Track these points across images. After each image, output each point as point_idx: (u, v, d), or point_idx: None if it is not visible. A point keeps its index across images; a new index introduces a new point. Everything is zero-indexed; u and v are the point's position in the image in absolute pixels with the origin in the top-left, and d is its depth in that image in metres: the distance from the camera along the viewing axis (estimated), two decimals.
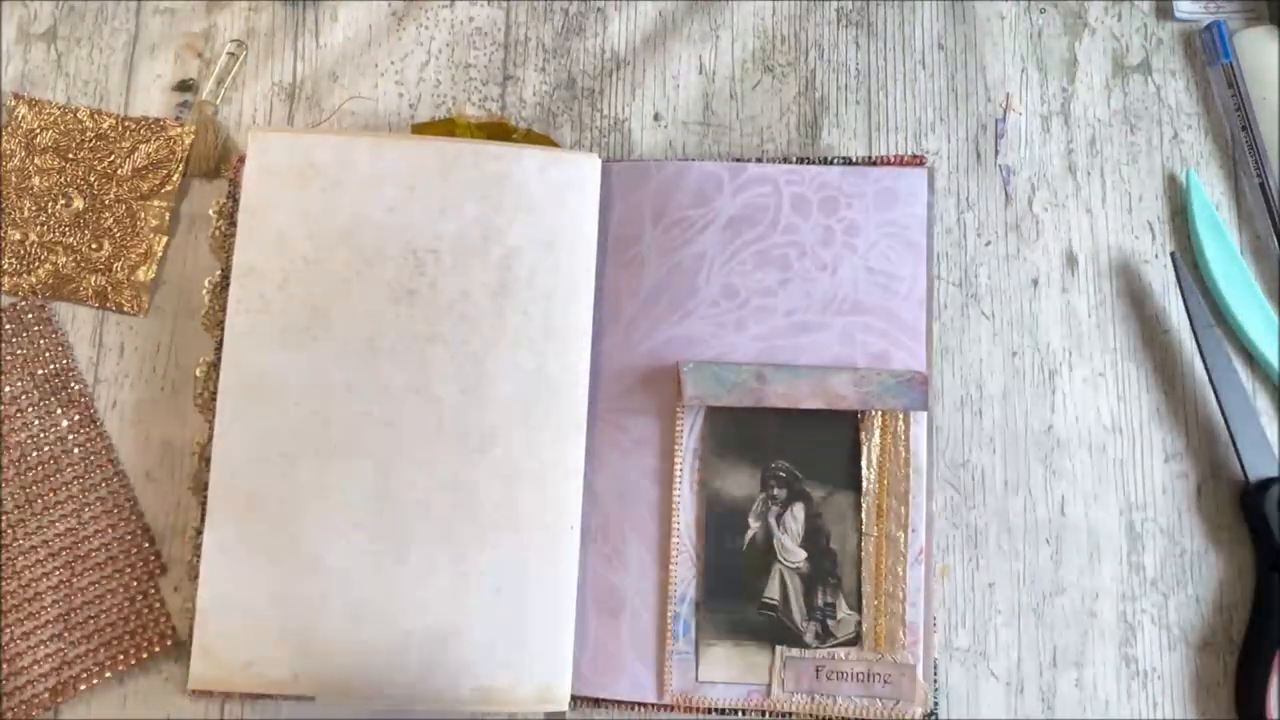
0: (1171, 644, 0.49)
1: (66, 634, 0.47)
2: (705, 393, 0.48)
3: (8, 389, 0.50)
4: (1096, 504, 0.51)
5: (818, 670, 0.47)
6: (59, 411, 0.50)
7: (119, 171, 0.53)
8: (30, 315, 0.51)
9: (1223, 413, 0.50)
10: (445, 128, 0.53)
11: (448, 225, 0.49)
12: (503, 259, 0.49)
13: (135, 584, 0.48)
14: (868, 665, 0.47)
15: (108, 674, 0.47)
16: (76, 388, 0.50)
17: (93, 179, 0.53)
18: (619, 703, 0.48)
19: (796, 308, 0.50)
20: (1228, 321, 0.52)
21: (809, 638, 0.48)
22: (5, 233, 0.52)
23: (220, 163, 0.53)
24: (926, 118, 0.55)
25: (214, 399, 0.48)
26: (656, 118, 0.55)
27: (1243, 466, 0.49)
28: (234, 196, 0.51)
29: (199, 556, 0.47)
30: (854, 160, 0.52)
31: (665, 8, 0.56)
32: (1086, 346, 0.52)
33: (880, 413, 0.49)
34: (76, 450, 0.50)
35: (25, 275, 0.52)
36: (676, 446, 0.49)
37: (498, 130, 0.54)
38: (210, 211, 0.52)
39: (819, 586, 0.48)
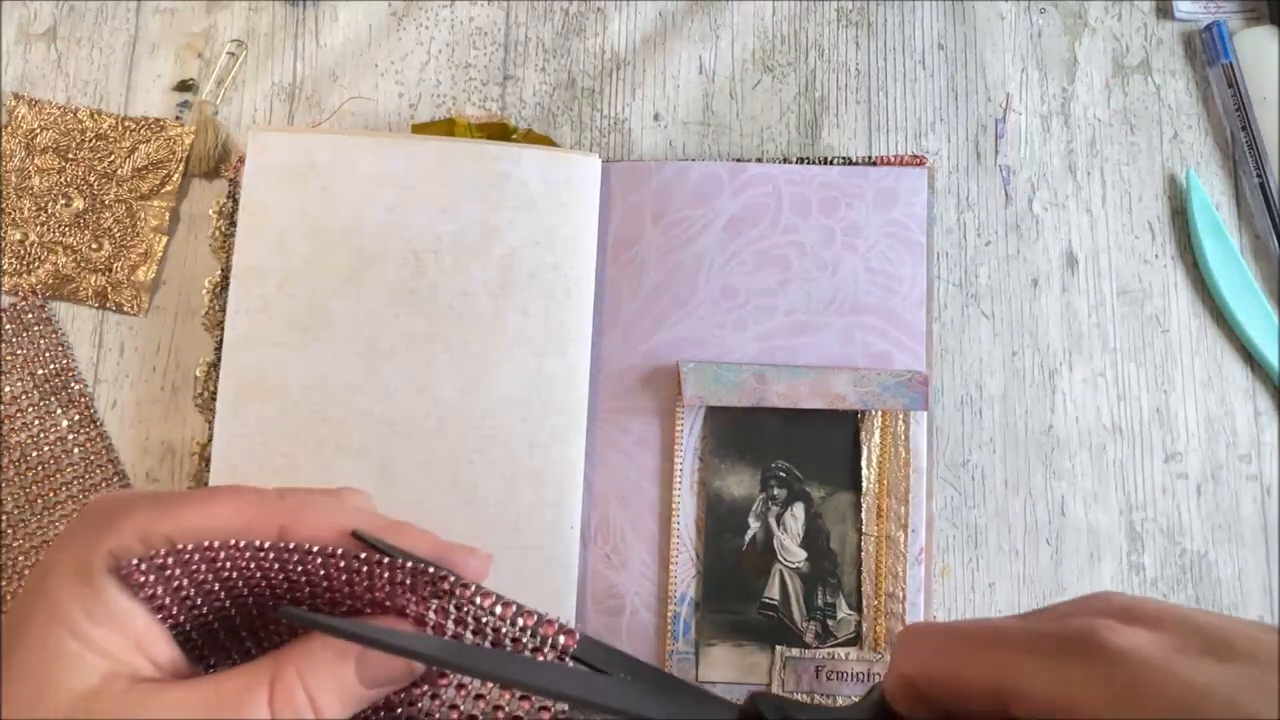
0: None
1: None
2: (705, 393, 0.48)
3: (8, 389, 0.50)
4: (1096, 504, 0.51)
5: (818, 670, 0.47)
6: (59, 411, 0.50)
7: (119, 171, 0.53)
8: (30, 315, 0.51)
9: None
10: (445, 128, 0.53)
11: (448, 225, 0.49)
12: (503, 259, 0.49)
13: None
14: (868, 665, 0.47)
15: None
16: (76, 388, 0.50)
17: (93, 179, 0.53)
18: None
19: (796, 308, 0.50)
20: (1228, 321, 0.52)
21: (809, 638, 0.48)
22: (5, 233, 0.52)
23: (220, 163, 0.53)
24: (926, 118, 0.55)
25: (214, 399, 0.48)
26: (656, 118, 0.55)
27: None
28: (234, 196, 0.51)
29: None
30: (854, 160, 0.52)
31: (665, 8, 0.56)
32: (1086, 346, 0.52)
33: (880, 413, 0.49)
34: (76, 450, 0.50)
35: (25, 275, 0.52)
36: (676, 446, 0.49)
37: (498, 130, 0.54)
38: (210, 211, 0.52)
39: (819, 586, 0.48)
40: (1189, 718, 0.21)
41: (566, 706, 0.29)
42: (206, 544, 0.27)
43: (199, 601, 0.29)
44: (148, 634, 0.28)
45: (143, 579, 0.27)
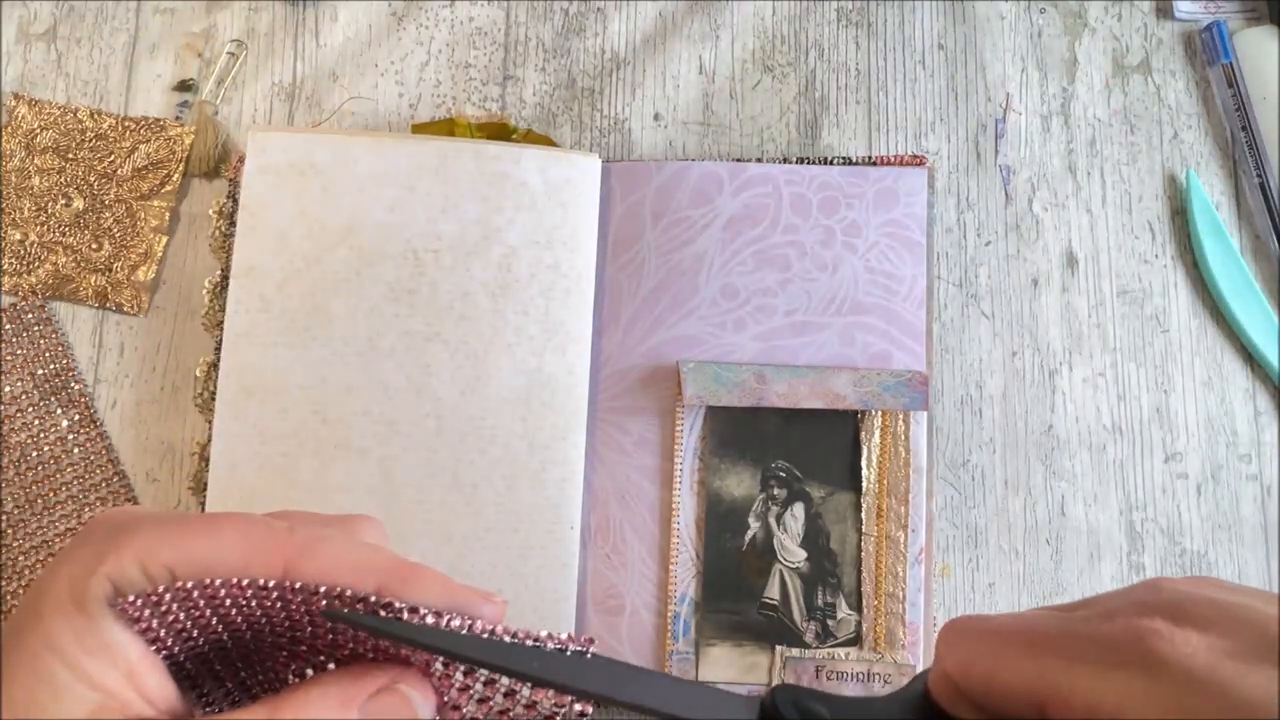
0: None
1: None
2: (705, 393, 0.48)
3: (8, 389, 0.50)
4: (1096, 504, 0.51)
5: (818, 670, 0.47)
6: (59, 411, 0.50)
7: (119, 171, 0.53)
8: (30, 315, 0.51)
9: None
10: (445, 128, 0.53)
11: (448, 225, 0.49)
12: (503, 259, 0.49)
13: None
14: (868, 665, 0.47)
15: None
16: (76, 388, 0.50)
17: (93, 179, 0.53)
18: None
19: (796, 308, 0.50)
20: (1228, 321, 0.52)
21: (809, 638, 0.48)
22: (5, 233, 0.52)
23: (220, 163, 0.53)
24: (926, 118, 0.55)
25: (214, 399, 0.48)
26: (656, 118, 0.55)
27: None
28: (234, 196, 0.51)
29: None
30: (854, 160, 0.52)
31: (665, 8, 0.56)
32: (1086, 346, 0.52)
33: (880, 413, 0.49)
34: (76, 450, 0.50)
35: (25, 275, 0.52)
36: (676, 446, 0.49)
37: (498, 130, 0.54)
38: (210, 211, 0.52)
39: (819, 586, 0.48)
40: None
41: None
42: (207, 582, 0.26)
43: (195, 633, 0.28)
44: (141, 666, 0.27)
45: (138, 614, 0.26)
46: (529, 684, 0.28)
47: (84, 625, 0.26)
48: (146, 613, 0.26)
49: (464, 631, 0.27)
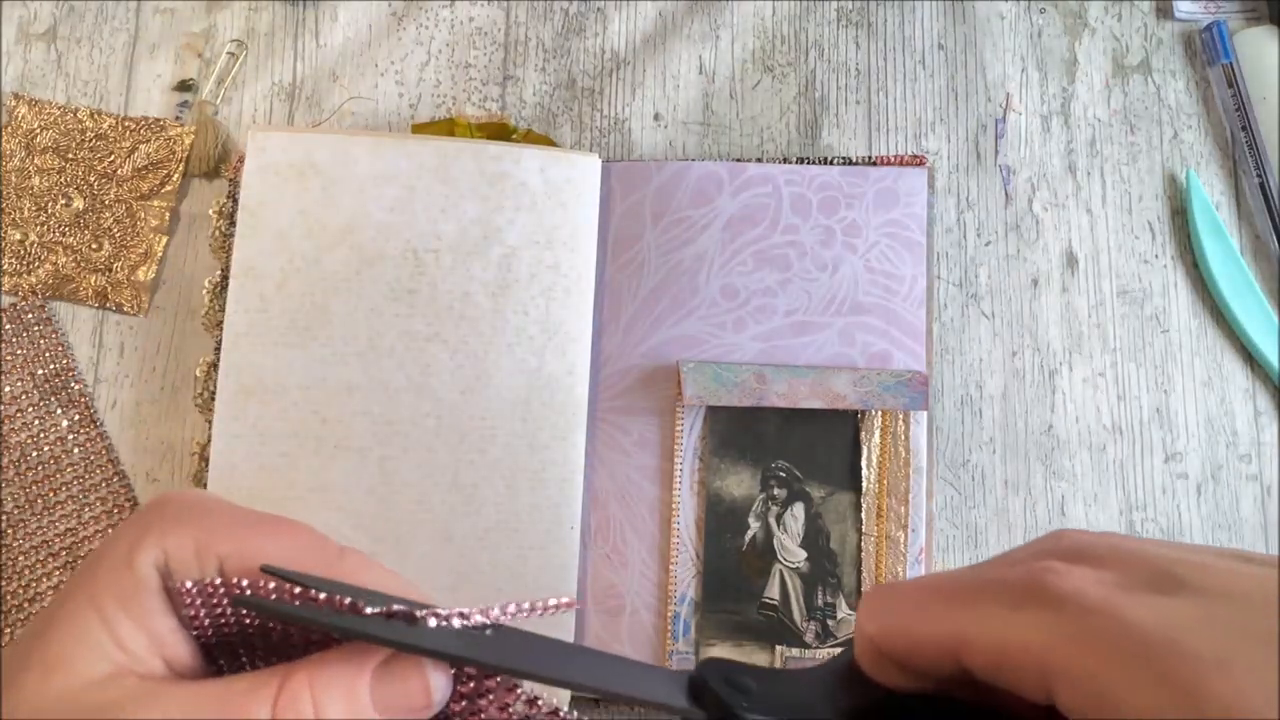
0: None
1: None
2: (705, 393, 0.48)
3: (8, 389, 0.50)
4: (1096, 504, 0.51)
5: None
6: (59, 411, 0.50)
7: (119, 171, 0.53)
8: (30, 315, 0.51)
9: None
10: (445, 128, 0.53)
11: (448, 225, 0.49)
12: (503, 259, 0.49)
13: None
14: None
15: None
16: (76, 388, 0.50)
17: (93, 179, 0.53)
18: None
19: (796, 308, 0.50)
20: (1228, 321, 0.52)
21: (809, 638, 0.48)
22: (5, 233, 0.52)
23: (220, 163, 0.53)
24: (926, 118, 0.55)
25: (214, 399, 0.48)
26: (656, 118, 0.55)
27: None
28: (234, 196, 0.51)
29: None
30: (854, 160, 0.52)
31: (665, 8, 0.56)
32: (1086, 346, 0.52)
33: (880, 413, 0.49)
34: (76, 450, 0.50)
35: (25, 275, 0.52)
36: (676, 446, 0.49)
37: (498, 130, 0.54)
38: (210, 211, 0.52)
39: (819, 586, 0.48)
40: (1130, 658, 0.20)
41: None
42: (262, 584, 0.27)
43: (233, 622, 0.28)
44: (172, 637, 0.28)
45: (189, 601, 0.27)
46: (457, 665, 0.27)
47: (130, 588, 0.27)
48: (198, 602, 0.27)
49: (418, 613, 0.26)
